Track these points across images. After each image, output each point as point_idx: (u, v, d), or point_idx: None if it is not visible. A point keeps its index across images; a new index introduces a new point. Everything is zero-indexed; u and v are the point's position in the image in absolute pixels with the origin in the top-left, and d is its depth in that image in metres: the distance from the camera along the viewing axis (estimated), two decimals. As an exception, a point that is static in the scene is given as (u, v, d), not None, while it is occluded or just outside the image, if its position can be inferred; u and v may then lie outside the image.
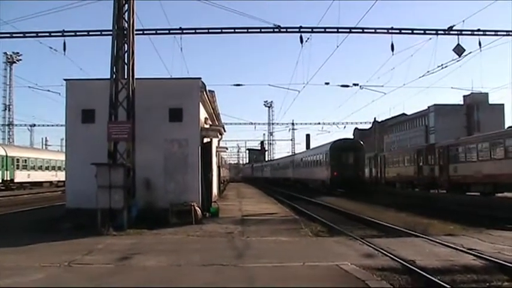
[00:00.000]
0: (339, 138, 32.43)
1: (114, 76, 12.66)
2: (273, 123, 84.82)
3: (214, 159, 21.35)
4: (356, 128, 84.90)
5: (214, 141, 20.90)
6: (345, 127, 65.56)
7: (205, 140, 15.56)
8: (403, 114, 74.23)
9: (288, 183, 45.26)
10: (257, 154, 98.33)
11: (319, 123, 68.45)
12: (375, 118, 67.80)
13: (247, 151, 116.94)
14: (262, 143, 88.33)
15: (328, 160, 31.53)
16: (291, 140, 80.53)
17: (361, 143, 32.71)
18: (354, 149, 31.69)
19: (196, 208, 13.06)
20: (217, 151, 23.98)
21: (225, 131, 24.40)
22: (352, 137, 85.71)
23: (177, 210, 12.75)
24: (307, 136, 72.54)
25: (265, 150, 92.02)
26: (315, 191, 30.78)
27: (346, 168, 30.35)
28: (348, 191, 28.64)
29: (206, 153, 14.91)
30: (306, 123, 72.98)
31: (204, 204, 14.26)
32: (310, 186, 34.83)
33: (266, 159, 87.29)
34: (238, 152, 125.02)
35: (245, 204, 20.54)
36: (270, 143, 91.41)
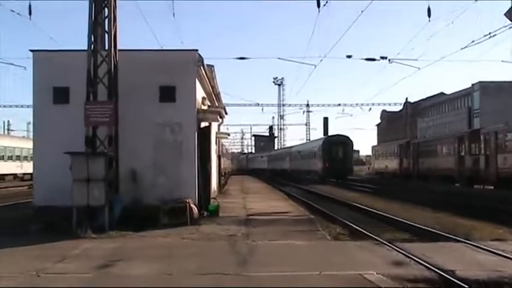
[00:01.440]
0: (330, 135, 44.88)
1: (92, 47, 12.57)
2: (283, 105, 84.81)
3: (214, 147, 21.40)
4: (384, 111, 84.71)
5: (214, 125, 20.88)
6: (370, 109, 65.67)
7: (203, 124, 15.59)
8: (441, 93, 73.64)
9: (284, 174, 56.72)
10: (265, 141, 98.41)
11: (339, 105, 67.60)
12: (406, 98, 67.79)
13: (252, 138, 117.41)
14: (271, 128, 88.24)
15: (321, 153, 44.33)
16: (306, 124, 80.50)
17: (350, 138, 45.46)
18: (344, 143, 44.45)
19: (192, 206, 13.14)
20: (217, 137, 24.03)
21: (226, 113, 24.42)
22: (379, 120, 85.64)
23: (169, 208, 12.82)
24: (325, 120, 72.19)
25: (275, 137, 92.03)
26: (310, 181, 42.01)
27: (337, 161, 42.86)
28: (339, 180, 41.07)
29: (204, 140, 14.91)
30: (323, 105, 72.76)
31: (202, 201, 14.26)
32: (306, 177, 46.53)
33: (275, 147, 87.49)
34: (242, 138, 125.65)
35: (250, 201, 20.59)
36: (281, 128, 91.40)
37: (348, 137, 45.77)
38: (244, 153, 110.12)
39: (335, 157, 43.64)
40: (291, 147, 64.00)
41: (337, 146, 44.70)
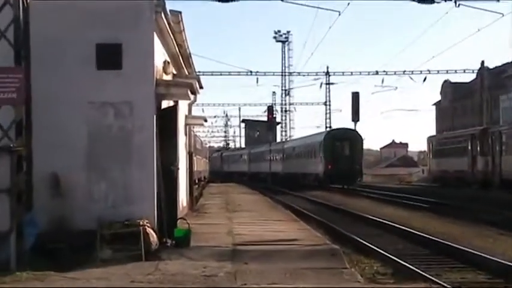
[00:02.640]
0: (334, 128, 53.97)
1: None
2: (290, 73, 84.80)
3: (183, 140, 21.23)
4: (446, 82, 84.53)
5: (183, 106, 20.70)
6: (425, 79, 63.65)
7: (165, 103, 15.75)
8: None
9: (275, 178, 64.81)
10: (262, 129, 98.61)
11: (376, 73, 65.86)
12: (482, 63, 66.12)
13: (242, 124, 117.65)
14: (270, 109, 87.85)
15: (321, 151, 51.35)
16: (325, 103, 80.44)
17: (359, 132, 53.57)
18: (351, 139, 51.86)
19: (149, 230, 13.18)
20: (187, 125, 24.16)
21: (201, 87, 24.29)
22: (439, 97, 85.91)
23: (112, 233, 12.90)
24: (355, 97, 72.02)
25: (277, 123, 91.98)
26: (309, 187, 48.41)
27: (342, 161, 49.61)
28: (344, 186, 47.73)
29: (167, 128, 15.06)
30: (351, 73, 70.58)
31: (164, 224, 14.37)
32: (302, 181, 54.22)
33: (278, 138, 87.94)
34: (226, 125, 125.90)
35: (239, 221, 20.66)
36: (286, 110, 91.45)
37: (355, 131, 53.52)
38: (219, 150, 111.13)
39: (340, 156, 50.69)
40: (284, 142, 70.64)
41: (342, 142, 51.68)
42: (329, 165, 50.50)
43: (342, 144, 51.78)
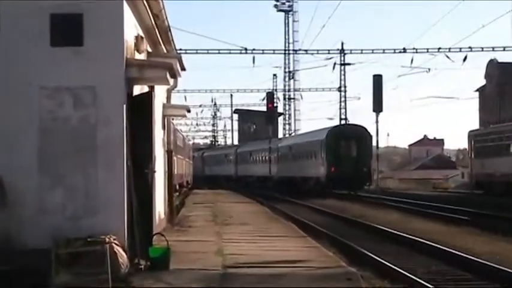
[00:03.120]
0: (339, 124, 58.68)
1: None
2: (295, 51, 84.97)
3: (160, 135, 21.24)
4: (492, 61, 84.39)
5: (160, 92, 20.63)
6: (465, 58, 63.38)
7: (138, 89, 15.95)
8: None
9: (268, 183, 70.52)
10: (259, 122, 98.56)
11: (403, 51, 65.76)
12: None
13: (235, 116, 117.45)
14: (270, 96, 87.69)
15: (323, 152, 55.51)
16: (339, 89, 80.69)
17: (367, 129, 57.06)
18: (357, 136, 55.67)
19: (118, 249, 13.22)
20: (166, 116, 24.21)
21: (183, 68, 24.20)
22: (483, 81, 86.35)
23: (70, 253, 12.89)
24: (377, 80, 71.97)
25: (279, 114, 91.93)
26: (314, 195, 51.11)
27: (347, 162, 53.66)
28: (349, 191, 51.38)
29: (140, 120, 15.12)
30: (371, 51, 70.21)
31: (137, 241, 14.45)
32: (302, 186, 59.53)
33: (280, 133, 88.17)
34: (214, 117, 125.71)
35: (231, 237, 20.79)
36: (290, 97, 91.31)
37: (363, 127, 57.35)
38: (202, 148, 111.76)
39: (346, 157, 54.86)
40: (280, 139, 74.80)
41: (348, 141, 55.87)
42: (332, 168, 54.25)
43: (347, 143, 55.85)
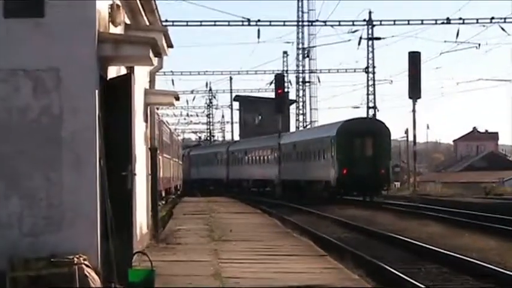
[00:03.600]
0: (350, 118, 60.70)
1: None
2: (311, 23, 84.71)
3: (141, 129, 21.51)
4: None
5: (142, 75, 20.68)
6: None
7: (113, 71, 16.16)
8: None
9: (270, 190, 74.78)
10: (266, 110, 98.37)
11: (446, 22, 66.04)
12: None
13: (236, 104, 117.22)
14: (280, 79, 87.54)
15: (334, 151, 57.93)
16: (366, 69, 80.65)
17: (385, 124, 60.10)
18: (374, 133, 58.20)
19: (89, 272, 13.33)
20: (149, 105, 24.45)
21: (170, 45, 24.29)
22: None
23: (30, 276, 13.01)
24: (413, 59, 71.94)
25: (291, 101, 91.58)
26: (318, 199, 56.77)
27: (362, 163, 56.32)
28: (366, 198, 55.72)
29: (116, 110, 15.29)
30: (406, 22, 70.12)
31: (113, 261, 14.55)
32: (308, 192, 63.49)
33: (292, 126, 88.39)
34: (209, 105, 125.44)
35: (232, 257, 20.92)
36: (304, 81, 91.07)
37: (380, 122, 61.14)
38: (189, 146, 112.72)
39: (360, 157, 57.63)
40: (282, 135, 76.58)
41: (362, 138, 58.62)
42: (344, 170, 56.57)
43: (362, 141, 58.69)
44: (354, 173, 54.96)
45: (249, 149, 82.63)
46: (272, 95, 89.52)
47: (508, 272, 18.75)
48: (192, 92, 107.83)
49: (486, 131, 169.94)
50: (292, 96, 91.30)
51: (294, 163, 68.30)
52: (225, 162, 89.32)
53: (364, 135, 57.73)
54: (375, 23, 74.66)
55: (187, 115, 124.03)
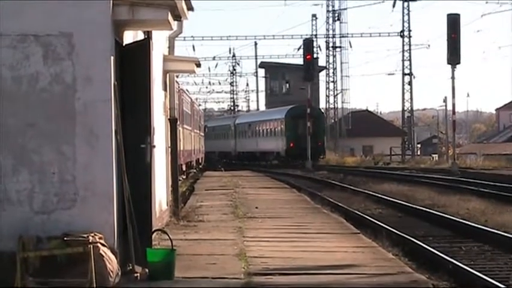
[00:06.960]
0: (294, 106, 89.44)
1: None
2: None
3: (160, 99, 21.38)
4: None
5: (160, 40, 20.61)
6: None
7: (130, 36, 16.16)
8: None
9: (229, 157, 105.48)
10: (293, 78, 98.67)
11: None
12: None
13: (261, 71, 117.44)
14: (309, 44, 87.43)
15: (283, 129, 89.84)
16: (401, 33, 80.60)
17: (321, 110, 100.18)
18: (313, 116, 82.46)
19: (105, 252, 13.31)
20: (168, 73, 24.52)
21: (190, 8, 24.20)
22: None
23: (41, 257, 13.02)
24: (452, 22, 71.65)
25: (321, 68, 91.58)
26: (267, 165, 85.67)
27: (304, 138, 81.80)
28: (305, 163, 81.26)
29: (133, 78, 15.35)
30: None
31: (130, 240, 14.60)
32: (262, 160, 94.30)
33: (322, 94, 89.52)
34: (233, 73, 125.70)
35: (257, 235, 21.02)
36: (334, 46, 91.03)
37: (317, 108, 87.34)
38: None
39: (302, 134, 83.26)
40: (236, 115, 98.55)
41: (304, 120, 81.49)
42: (291, 143, 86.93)
43: (303, 122, 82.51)
44: (299, 146, 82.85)
45: (255, 122, 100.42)
46: (300, 61, 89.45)
47: None
48: (214, 58, 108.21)
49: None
50: (321, 62, 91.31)
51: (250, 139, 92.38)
52: (233, 135, 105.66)
53: (305, 118, 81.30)
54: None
55: (209, 83, 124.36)
